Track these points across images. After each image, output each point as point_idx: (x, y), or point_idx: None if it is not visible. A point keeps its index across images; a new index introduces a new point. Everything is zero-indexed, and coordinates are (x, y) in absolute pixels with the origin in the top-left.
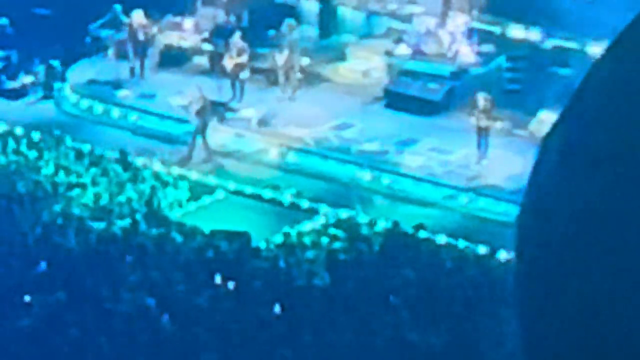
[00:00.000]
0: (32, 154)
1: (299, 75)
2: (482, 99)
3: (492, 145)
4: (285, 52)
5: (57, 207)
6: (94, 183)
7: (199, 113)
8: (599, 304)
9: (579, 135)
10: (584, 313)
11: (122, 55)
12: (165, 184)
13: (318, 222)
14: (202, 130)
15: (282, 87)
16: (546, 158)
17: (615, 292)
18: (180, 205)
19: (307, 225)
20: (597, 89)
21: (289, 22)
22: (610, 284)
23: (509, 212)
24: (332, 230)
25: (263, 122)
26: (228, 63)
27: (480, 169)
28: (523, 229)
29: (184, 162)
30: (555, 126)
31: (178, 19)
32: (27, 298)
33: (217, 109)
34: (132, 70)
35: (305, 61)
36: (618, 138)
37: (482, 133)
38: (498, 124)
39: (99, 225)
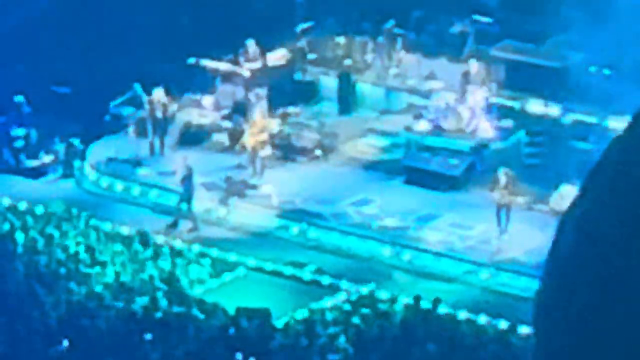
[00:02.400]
0: (53, 233)
1: (319, 152)
2: (503, 174)
3: (512, 220)
4: (251, 120)
5: (78, 286)
6: (115, 261)
7: (183, 181)
8: None
9: (596, 212)
10: None
11: (141, 133)
12: (186, 262)
13: (339, 298)
14: (187, 199)
15: (249, 157)
16: (564, 234)
17: None
18: (201, 283)
19: (328, 302)
20: (613, 167)
21: (257, 91)
22: (630, 358)
23: (530, 287)
24: (353, 306)
25: (283, 199)
26: (248, 140)
27: (501, 244)
28: (542, 303)
29: (168, 230)
30: (573, 204)
31: (198, 96)
32: None
33: (236, 186)
34: (151, 147)
35: (274, 125)
36: (634, 214)
37: (503, 208)
38: (519, 200)
39: (120, 304)
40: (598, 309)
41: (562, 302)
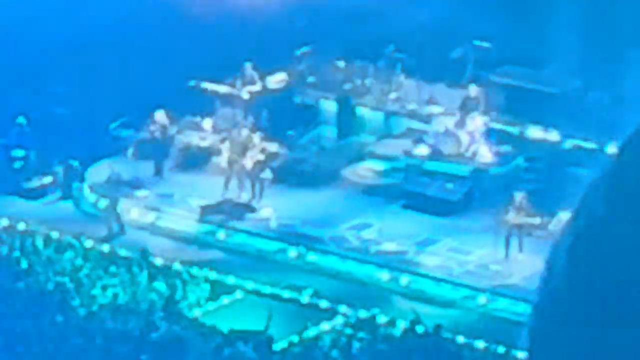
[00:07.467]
0: (51, 254)
1: (318, 175)
2: (518, 196)
3: (511, 246)
4: (228, 145)
5: (76, 307)
6: (113, 283)
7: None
8: None
9: (588, 237)
10: None
11: (141, 155)
12: (183, 284)
13: (337, 322)
14: (113, 205)
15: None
16: (557, 259)
17: None
18: (198, 305)
19: (325, 325)
20: (605, 193)
21: (226, 111)
22: None
23: (528, 312)
24: (351, 330)
25: (281, 222)
26: (248, 162)
27: (499, 269)
28: (535, 328)
29: (108, 237)
30: (565, 229)
31: (197, 118)
32: None
33: (236, 209)
34: (156, 169)
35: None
36: (626, 239)
37: (513, 231)
38: (530, 221)
39: (117, 325)
40: (591, 334)
41: (555, 326)
